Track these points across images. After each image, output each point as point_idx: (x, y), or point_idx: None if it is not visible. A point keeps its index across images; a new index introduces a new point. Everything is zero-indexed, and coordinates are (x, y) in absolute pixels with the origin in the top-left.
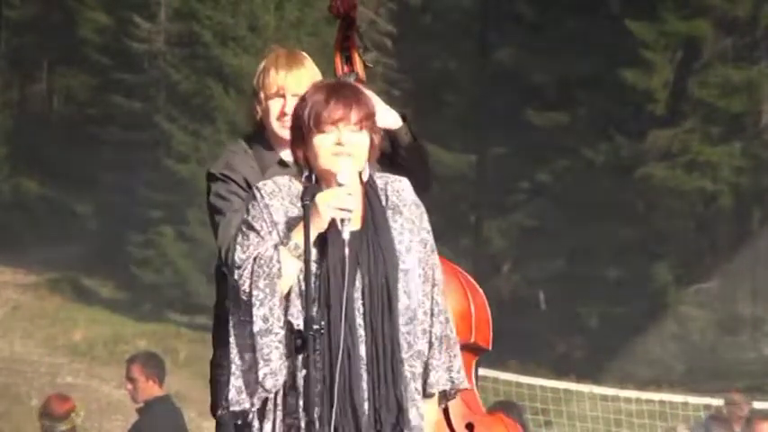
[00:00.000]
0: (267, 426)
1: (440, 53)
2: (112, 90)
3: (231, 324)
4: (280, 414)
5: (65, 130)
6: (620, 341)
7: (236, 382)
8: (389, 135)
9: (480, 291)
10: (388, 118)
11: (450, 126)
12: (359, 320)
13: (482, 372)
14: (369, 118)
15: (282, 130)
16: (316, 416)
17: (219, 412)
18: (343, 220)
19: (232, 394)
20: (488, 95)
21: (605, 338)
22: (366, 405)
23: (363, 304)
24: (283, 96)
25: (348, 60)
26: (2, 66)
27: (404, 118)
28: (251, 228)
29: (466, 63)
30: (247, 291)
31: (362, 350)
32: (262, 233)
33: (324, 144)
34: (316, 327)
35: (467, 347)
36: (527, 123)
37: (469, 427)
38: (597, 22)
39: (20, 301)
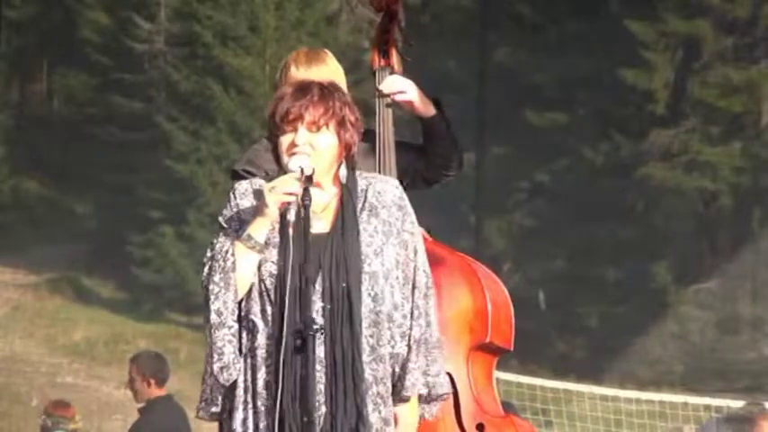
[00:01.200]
0: (236, 423)
1: (440, 53)
2: (112, 90)
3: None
4: (250, 413)
5: (65, 130)
6: (620, 341)
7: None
8: (423, 123)
9: (503, 288)
10: (422, 106)
11: (451, 126)
12: (318, 323)
13: None
14: (329, 116)
15: None
16: (315, 415)
17: (195, 414)
18: (290, 205)
19: (205, 398)
20: (488, 95)
21: (605, 338)
22: (324, 409)
23: (323, 307)
24: None
25: (385, 54)
26: (2, 66)
27: (437, 104)
28: (221, 227)
29: (466, 63)
30: (205, 285)
31: (321, 353)
32: (228, 231)
33: (283, 144)
34: (316, 327)
35: (483, 347)
36: (527, 123)
37: (480, 427)
38: (597, 22)
39: (20, 301)
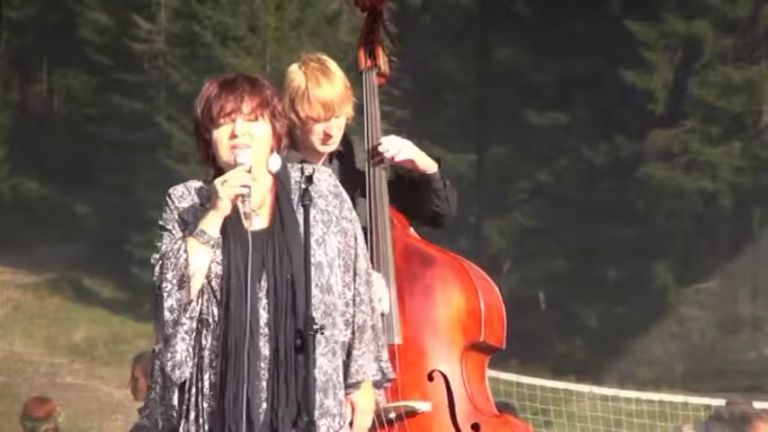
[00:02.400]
0: (187, 426)
1: (440, 53)
2: (112, 90)
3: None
4: (199, 414)
5: (65, 130)
6: (620, 341)
7: (155, 389)
8: (421, 178)
9: (495, 288)
10: (423, 163)
11: (451, 126)
12: (264, 319)
13: None
14: (264, 106)
15: (324, 147)
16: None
17: (139, 420)
18: (243, 197)
19: (153, 405)
20: (488, 95)
21: (605, 338)
22: (265, 405)
23: (268, 303)
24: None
25: (371, 54)
26: (2, 66)
27: (438, 162)
28: (164, 229)
29: (466, 63)
30: (158, 285)
31: (266, 351)
32: (173, 232)
33: (221, 137)
34: (316, 326)
35: (476, 347)
36: (527, 123)
37: (475, 427)
38: (597, 22)
39: (20, 301)
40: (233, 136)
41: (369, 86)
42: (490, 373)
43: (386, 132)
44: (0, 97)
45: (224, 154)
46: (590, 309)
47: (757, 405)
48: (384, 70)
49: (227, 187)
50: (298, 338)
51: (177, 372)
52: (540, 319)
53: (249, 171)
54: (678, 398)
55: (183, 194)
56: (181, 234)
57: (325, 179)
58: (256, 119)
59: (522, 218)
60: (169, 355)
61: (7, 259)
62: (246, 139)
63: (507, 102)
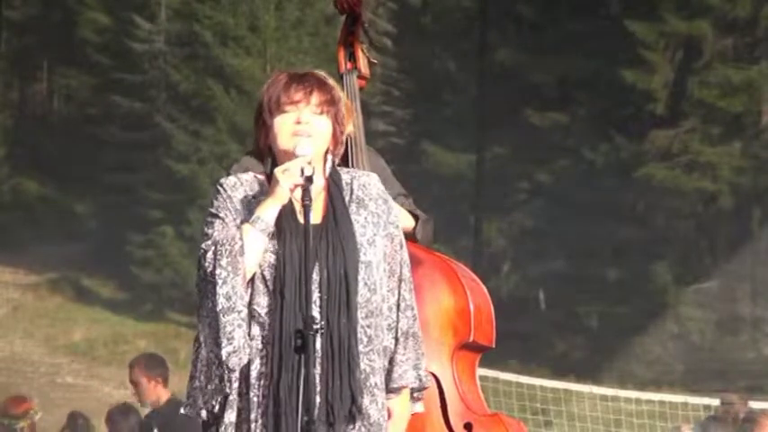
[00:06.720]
0: (230, 416)
1: (440, 53)
2: (112, 90)
3: (199, 319)
4: (244, 403)
5: (65, 130)
6: (620, 341)
7: (199, 378)
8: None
9: (483, 288)
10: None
11: (450, 126)
12: (315, 312)
13: (482, 372)
14: (331, 104)
15: None
16: (315, 414)
17: (183, 410)
18: (304, 190)
19: (196, 394)
20: (488, 95)
21: (605, 338)
22: (318, 398)
23: (320, 297)
24: None
25: (352, 57)
26: (2, 66)
27: (416, 218)
28: (215, 216)
29: (466, 63)
30: (210, 271)
31: (318, 342)
32: (226, 220)
33: (283, 123)
34: (316, 326)
35: (467, 346)
36: (527, 123)
37: (468, 426)
38: (597, 23)
39: (20, 301)
40: (297, 122)
41: (349, 89)
42: (490, 373)
43: (372, 134)
44: (0, 97)
45: (283, 140)
46: (590, 309)
47: (755, 405)
48: (364, 73)
49: (287, 176)
50: (298, 338)
51: (235, 358)
52: (540, 319)
53: (309, 163)
54: (678, 398)
55: (236, 185)
56: (234, 222)
57: (375, 184)
58: (321, 113)
59: (522, 218)
60: (225, 341)
61: (7, 259)
62: (309, 128)
63: (507, 102)
